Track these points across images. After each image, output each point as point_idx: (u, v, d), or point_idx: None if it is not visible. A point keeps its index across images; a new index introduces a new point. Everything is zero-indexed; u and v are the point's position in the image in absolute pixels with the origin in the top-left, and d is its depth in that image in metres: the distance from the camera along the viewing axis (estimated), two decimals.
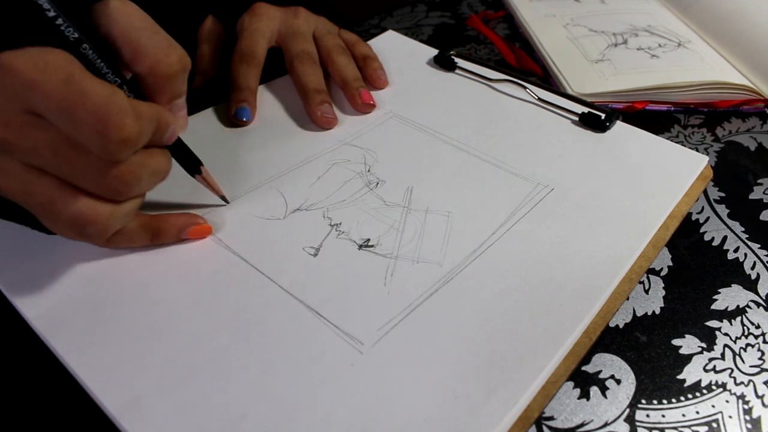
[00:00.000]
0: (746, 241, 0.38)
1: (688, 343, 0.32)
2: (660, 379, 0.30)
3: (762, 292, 0.35)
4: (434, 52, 0.50)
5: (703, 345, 0.32)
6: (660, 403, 0.29)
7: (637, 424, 0.28)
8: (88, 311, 0.30)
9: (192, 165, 0.34)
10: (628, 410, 0.29)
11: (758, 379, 0.30)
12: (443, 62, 0.49)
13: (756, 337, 0.32)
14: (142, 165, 0.27)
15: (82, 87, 0.24)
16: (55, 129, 0.25)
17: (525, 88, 0.46)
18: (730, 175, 0.43)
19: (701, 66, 0.51)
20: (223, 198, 0.36)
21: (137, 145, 0.26)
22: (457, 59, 0.49)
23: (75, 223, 0.27)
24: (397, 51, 0.51)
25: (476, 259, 0.33)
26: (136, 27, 0.28)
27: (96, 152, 0.25)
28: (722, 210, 0.40)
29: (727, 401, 0.29)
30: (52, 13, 0.25)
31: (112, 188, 0.26)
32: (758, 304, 0.34)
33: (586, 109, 0.43)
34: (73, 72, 0.24)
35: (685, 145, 0.42)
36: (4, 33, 0.24)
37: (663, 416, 0.29)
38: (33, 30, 0.25)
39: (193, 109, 0.46)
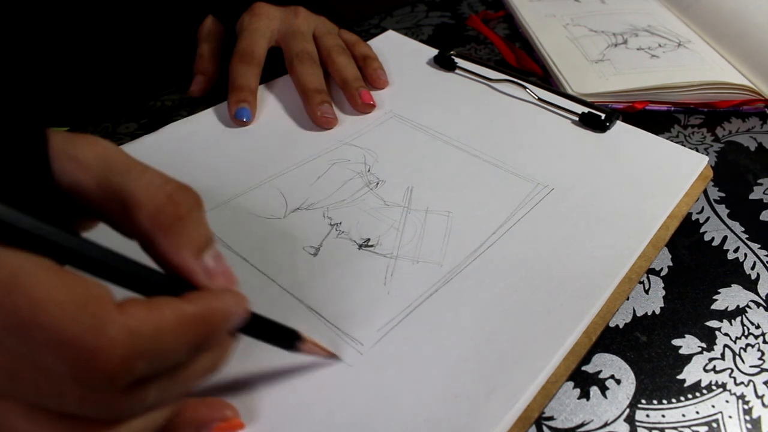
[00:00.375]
0: (746, 241, 0.38)
1: (688, 343, 0.32)
2: (660, 379, 0.30)
3: (762, 292, 0.35)
4: (434, 52, 0.50)
5: (703, 345, 0.32)
6: (660, 403, 0.29)
7: (637, 424, 0.28)
8: None
9: (285, 339, 0.25)
10: (628, 410, 0.29)
11: (758, 379, 0.30)
12: (443, 62, 0.49)
13: (756, 337, 0.32)
14: (158, 385, 0.19)
15: (31, 296, 0.16)
16: (6, 348, 0.17)
17: (525, 88, 0.46)
18: (730, 175, 0.43)
19: (701, 66, 0.51)
20: (333, 356, 0.28)
21: (137, 373, 0.17)
22: (457, 59, 0.49)
23: None
24: (397, 51, 0.51)
25: (476, 259, 0.33)
26: (119, 170, 0.21)
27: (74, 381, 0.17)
28: (722, 210, 0.40)
29: (727, 401, 0.29)
30: None
31: (105, 416, 0.18)
32: (758, 304, 0.34)
33: (586, 109, 0.43)
34: (18, 271, 0.16)
35: (685, 145, 0.42)
36: None
37: (663, 416, 0.29)
38: None
39: (194, 109, 0.46)
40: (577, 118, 0.43)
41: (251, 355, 0.28)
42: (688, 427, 0.28)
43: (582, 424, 0.28)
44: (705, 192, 0.42)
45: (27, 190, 0.18)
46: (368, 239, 0.34)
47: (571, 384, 0.30)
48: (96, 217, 0.21)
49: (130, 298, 0.18)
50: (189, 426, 0.23)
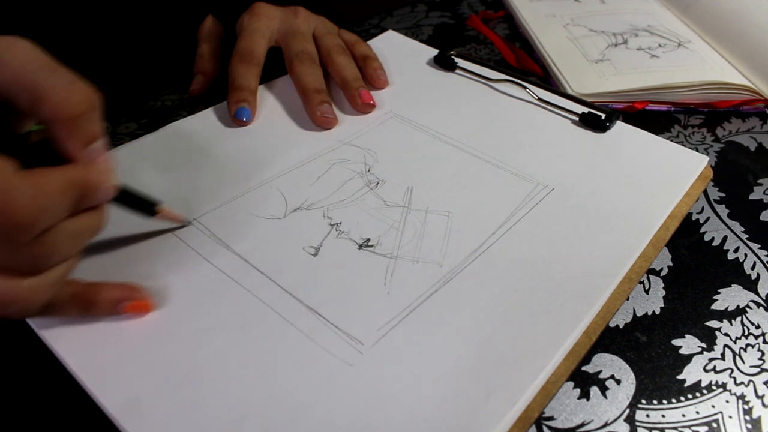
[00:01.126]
0: (746, 241, 0.38)
1: (688, 343, 0.32)
2: (660, 379, 0.30)
3: (762, 292, 0.35)
4: (434, 52, 0.50)
5: (703, 345, 0.32)
6: (660, 403, 0.29)
7: (637, 424, 0.28)
8: None
9: (147, 208, 0.31)
10: (628, 410, 0.29)
11: (758, 380, 0.30)
12: (443, 62, 0.49)
13: (756, 337, 0.32)
14: (61, 231, 0.24)
15: None
16: None
17: (525, 88, 0.46)
18: (730, 175, 0.43)
19: (701, 66, 0.51)
20: (184, 221, 0.34)
21: (41, 224, 0.22)
22: (457, 59, 0.49)
23: None
24: (397, 51, 0.51)
25: (476, 259, 0.33)
26: (30, 68, 0.24)
27: None
28: (722, 210, 0.40)
29: (727, 401, 0.29)
30: None
31: (26, 263, 0.23)
32: (758, 304, 0.34)
33: (586, 109, 0.43)
34: None
35: (685, 145, 0.42)
36: None
37: (663, 416, 0.29)
38: None
39: (194, 109, 0.46)
40: (577, 118, 0.43)
41: (251, 355, 0.28)
42: (688, 427, 0.28)
43: (582, 424, 0.28)
44: (705, 192, 0.42)
45: None
46: (368, 239, 0.34)
47: (571, 384, 0.30)
48: (11, 112, 0.26)
49: (30, 169, 0.22)
50: (106, 302, 0.28)
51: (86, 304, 0.28)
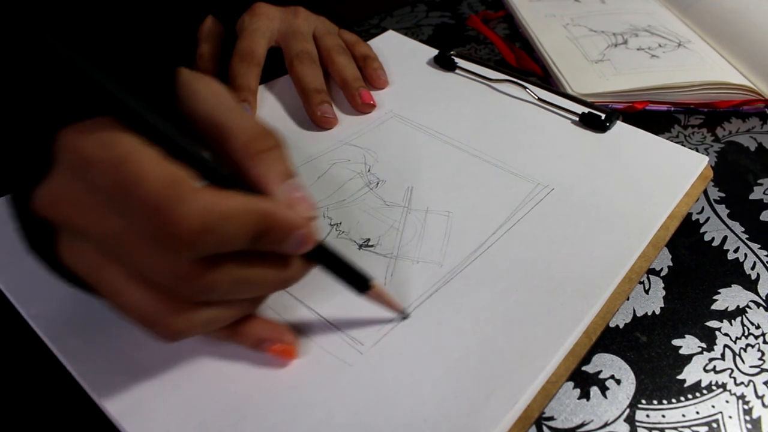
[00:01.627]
0: (746, 241, 0.38)
1: (688, 343, 0.32)
2: (660, 379, 0.30)
3: (762, 292, 0.35)
4: (434, 52, 0.50)
5: (703, 345, 0.32)
6: (660, 403, 0.29)
7: (637, 424, 0.28)
8: (88, 312, 0.30)
9: (356, 281, 0.27)
10: (628, 410, 0.29)
11: (758, 380, 0.30)
12: (443, 62, 0.49)
13: (756, 337, 0.32)
14: (228, 269, 0.22)
15: (136, 169, 0.20)
16: (119, 219, 0.21)
17: (525, 88, 0.46)
18: (730, 176, 0.43)
19: (701, 66, 0.51)
20: (403, 313, 0.29)
21: (203, 245, 0.20)
22: (457, 59, 0.49)
23: (142, 320, 0.23)
24: (397, 51, 0.51)
25: (476, 260, 0.33)
26: (226, 107, 0.25)
27: (160, 244, 0.21)
28: (722, 210, 0.40)
29: (727, 401, 0.29)
30: (110, 85, 0.21)
31: (182, 286, 0.22)
32: (758, 305, 0.34)
33: (586, 109, 0.43)
34: (131, 150, 0.20)
35: (685, 145, 0.42)
36: (66, 105, 0.21)
37: (663, 416, 0.29)
38: (97, 100, 0.21)
39: None
40: (577, 118, 0.43)
41: (251, 354, 0.28)
42: (688, 427, 0.28)
43: (582, 424, 0.28)
44: (705, 192, 0.42)
45: (158, 108, 0.22)
46: (368, 239, 0.34)
47: (571, 384, 0.30)
48: (204, 143, 0.25)
49: (209, 187, 0.21)
50: (250, 337, 0.27)
51: (231, 332, 0.26)
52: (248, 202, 0.21)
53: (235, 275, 0.22)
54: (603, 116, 0.42)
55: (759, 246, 0.38)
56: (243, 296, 0.24)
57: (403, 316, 0.29)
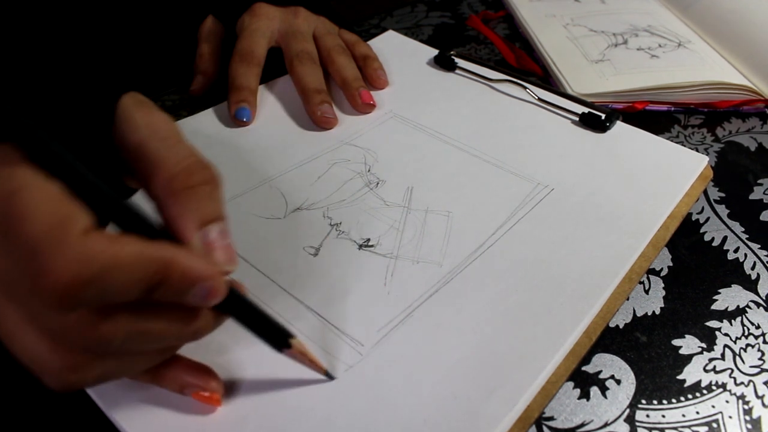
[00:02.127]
0: (746, 241, 0.38)
1: (688, 344, 0.32)
2: (660, 379, 0.30)
3: (762, 292, 0.35)
4: (434, 52, 0.50)
5: (703, 345, 0.32)
6: (660, 403, 0.29)
7: (637, 424, 0.28)
8: None
9: (275, 337, 0.24)
10: (628, 410, 0.29)
11: (758, 380, 0.30)
12: (443, 62, 0.49)
13: (756, 337, 0.32)
14: (124, 325, 0.20)
15: (24, 205, 0.18)
16: (5, 258, 0.19)
17: (525, 88, 0.46)
18: (730, 176, 0.43)
19: (701, 66, 0.51)
20: (327, 374, 0.27)
21: (83, 296, 0.18)
22: (457, 59, 0.49)
23: (33, 365, 0.21)
24: (397, 51, 0.51)
25: (476, 260, 0.33)
26: (159, 137, 0.23)
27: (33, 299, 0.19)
28: (722, 210, 0.40)
29: (727, 401, 0.29)
30: (10, 111, 0.19)
31: (75, 340, 0.20)
32: (758, 305, 0.34)
33: (586, 109, 0.43)
34: (24, 184, 0.18)
35: (685, 145, 0.42)
36: None
37: (663, 416, 0.29)
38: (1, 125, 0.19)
39: (194, 109, 0.46)
40: (577, 118, 0.43)
41: (251, 354, 0.28)
42: (688, 427, 0.28)
43: (582, 425, 0.28)
44: (705, 192, 0.42)
45: (90, 138, 0.21)
46: (368, 239, 0.34)
47: (571, 384, 0.30)
48: (134, 176, 0.23)
49: (102, 231, 0.19)
50: (173, 382, 0.25)
51: (152, 376, 0.25)
52: (144, 249, 0.19)
53: (132, 328, 0.20)
54: (603, 116, 0.42)
55: (759, 246, 0.38)
56: (145, 348, 0.22)
57: (329, 377, 0.27)
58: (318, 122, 0.43)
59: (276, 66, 0.47)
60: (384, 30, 0.55)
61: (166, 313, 0.21)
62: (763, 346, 0.32)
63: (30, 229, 0.18)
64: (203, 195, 0.22)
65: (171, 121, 0.24)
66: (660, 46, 0.54)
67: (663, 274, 0.36)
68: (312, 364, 0.26)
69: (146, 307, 0.20)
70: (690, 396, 0.30)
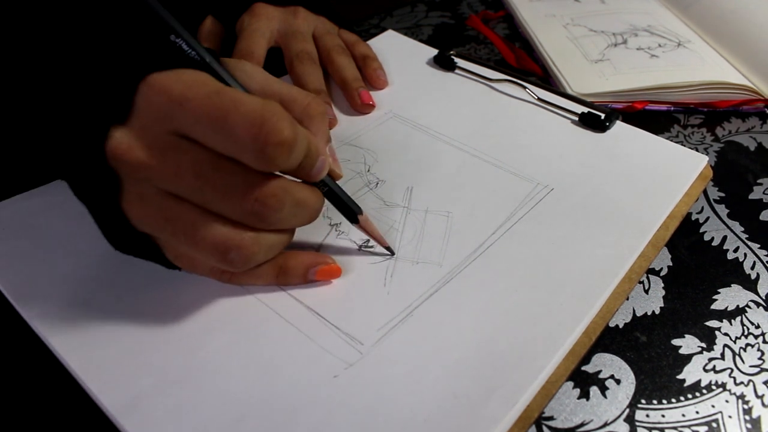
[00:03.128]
0: (746, 241, 0.38)
1: (687, 343, 0.32)
2: (660, 379, 0.30)
3: (762, 292, 0.35)
4: (434, 52, 0.50)
5: (703, 345, 0.32)
6: (660, 403, 0.29)
7: (637, 424, 0.28)
8: (87, 310, 0.30)
9: (347, 210, 0.31)
10: (627, 410, 0.29)
11: (758, 379, 0.30)
12: (443, 62, 0.49)
13: (756, 337, 0.32)
14: (286, 190, 0.26)
15: (234, 96, 0.23)
16: (197, 151, 0.24)
17: (525, 88, 0.46)
18: (730, 175, 0.43)
19: (701, 66, 0.51)
20: (388, 249, 0.33)
21: (293, 154, 0.24)
22: (457, 59, 0.49)
23: (218, 248, 0.26)
24: (397, 51, 0.51)
25: (476, 260, 0.33)
26: (274, 80, 0.30)
27: (250, 161, 0.24)
28: (722, 210, 0.40)
29: (726, 401, 0.29)
30: (187, 47, 0.26)
31: (252, 211, 0.25)
32: (758, 304, 0.34)
33: (585, 109, 0.43)
34: (220, 86, 0.24)
35: (685, 145, 0.42)
36: (149, 59, 0.25)
37: (663, 416, 0.29)
38: (173, 57, 0.26)
39: None
40: (576, 118, 0.43)
41: (251, 354, 0.28)
42: (688, 427, 0.28)
43: (582, 424, 0.28)
44: (705, 192, 0.42)
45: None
46: (368, 239, 0.34)
47: (571, 384, 0.30)
48: None
49: None
50: (298, 270, 0.30)
51: (281, 269, 0.30)
52: (307, 131, 0.26)
53: (292, 197, 0.26)
54: (603, 116, 0.42)
55: (759, 246, 0.38)
56: (293, 222, 0.28)
57: (390, 252, 0.33)
58: None
59: (276, 66, 0.47)
60: (384, 30, 0.55)
61: (305, 188, 0.27)
62: (762, 346, 0.32)
63: (250, 108, 0.23)
64: (324, 120, 0.30)
65: (264, 70, 0.30)
66: (660, 45, 0.54)
67: (663, 273, 0.36)
68: (374, 238, 0.33)
69: (295, 181, 0.27)
70: (690, 396, 0.30)
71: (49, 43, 0.27)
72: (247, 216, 0.25)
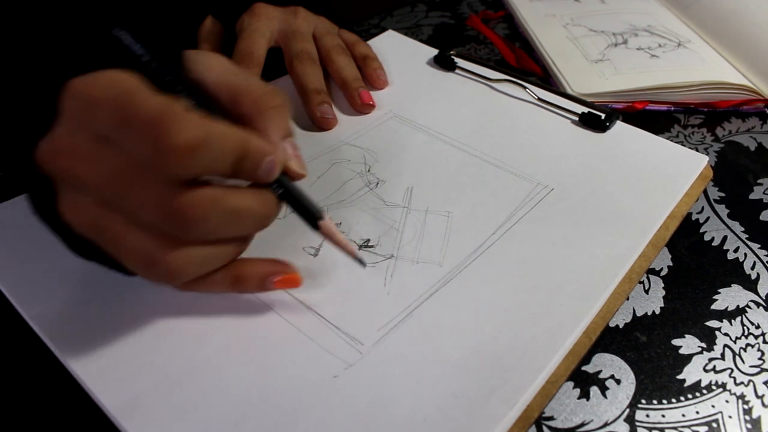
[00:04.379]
0: (746, 241, 0.38)
1: (688, 343, 0.32)
2: (660, 379, 0.30)
3: (762, 292, 0.35)
4: (434, 52, 0.50)
5: (703, 345, 0.32)
6: (660, 403, 0.29)
7: (637, 424, 0.28)
8: (87, 310, 0.30)
9: (308, 215, 0.28)
10: (628, 410, 0.29)
11: (758, 379, 0.30)
12: (443, 62, 0.49)
13: (756, 337, 0.32)
14: (214, 199, 0.24)
15: (136, 98, 0.22)
16: (117, 158, 0.23)
17: (525, 88, 0.46)
18: (730, 175, 0.43)
19: (701, 66, 0.51)
20: (359, 260, 0.29)
21: (199, 158, 0.22)
22: (457, 59, 0.49)
23: (142, 261, 0.24)
24: (397, 51, 0.51)
25: (476, 260, 0.33)
26: (232, 72, 0.28)
27: (155, 166, 0.22)
28: (722, 210, 0.40)
29: (727, 401, 0.29)
30: (125, 39, 0.24)
31: (174, 223, 0.23)
32: (758, 304, 0.34)
33: (586, 109, 0.43)
34: (132, 87, 0.22)
35: (685, 145, 0.42)
36: (79, 61, 0.24)
37: (663, 416, 0.29)
38: (107, 55, 0.24)
39: None
40: (577, 118, 0.43)
41: (251, 354, 0.28)
42: (688, 427, 0.28)
43: (582, 424, 0.28)
44: (705, 192, 0.42)
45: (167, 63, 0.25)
46: (368, 239, 0.34)
47: (571, 384, 0.30)
48: (210, 107, 0.26)
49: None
50: (252, 278, 0.28)
51: (234, 279, 0.28)
52: (232, 127, 0.24)
53: (222, 206, 0.24)
54: (603, 116, 0.42)
55: (759, 246, 0.38)
56: (230, 232, 0.26)
57: (360, 263, 0.29)
58: (318, 122, 0.43)
59: (276, 66, 0.47)
60: (384, 30, 0.55)
61: (245, 194, 0.25)
62: (762, 346, 0.32)
63: (147, 110, 0.21)
64: (283, 114, 0.27)
65: (228, 61, 0.29)
66: (660, 45, 0.54)
67: (663, 273, 0.36)
68: (341, 245, 0.29)
69: (231, 188, 0.24)
70: (690, 396, 0.30)
71: None
72: (170, 228, 0.23)
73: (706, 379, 0.30)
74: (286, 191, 0.27)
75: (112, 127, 0.22)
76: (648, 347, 0.32)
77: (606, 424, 0.28)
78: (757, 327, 0.33)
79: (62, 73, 0.23)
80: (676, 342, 0.32)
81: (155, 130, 0.21)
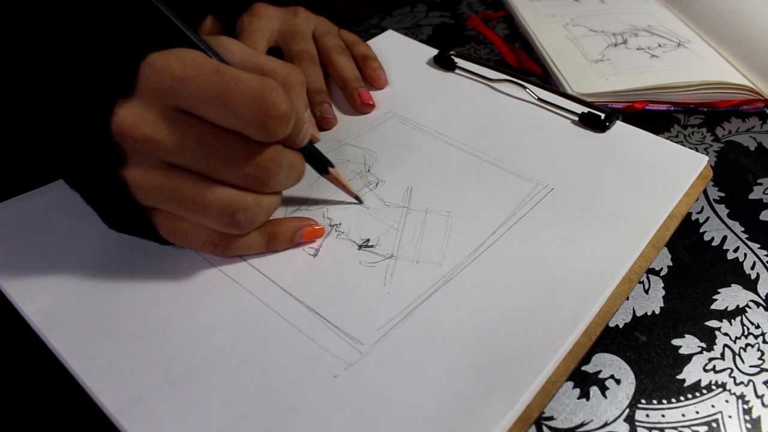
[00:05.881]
0: (746, 241, 0.38)
1: (687, 343, 0.32)
2: (660, 379, 0.30)
3: (762, 292, 0.35)
4: (434, 52, 0.50)
5: (703, 345, 0.32)
6: (660, 403, 0.29)
7: (637, 424, 0.28)
8: (87, 309, 0.30)
9: (321, 165, 0.34)
10: (627, 410, 0.29)
11: (758, 379, 0.30)
12: (443, 62, 0.49)
13: (756, 337, 0.32)
14: (282, 155, 0.28)
15: (234, 74, 0.25)
16: (200, 124, 0.26)
17: (525, 88, 0.46)
18: (730, 175, 0.43)
19: (701, 66, 0.51)
20: (356, 198, 0.36)
21: (289, 126, 0.27)
22: (456, 59, 0.49)
23: (226, 210, 0.28)
24: (397, 51, 0.51)
25: (476, 259, 0.33)
26: (253, 54, 0.31)
27: (252, 133, 0.26)
28: (722, 210, 0.40)
29: (726, 401, 0.29)
30: (182, 27, 0.29)
31: (255, 176, 0.28)
32: (758, 304, 0.34)
33: (585, 109, 0.43)
34: (220, 64, 0.26)
35: (685, 145, 0.42)
36: (147, 39, 0.26)
37: (663, 416, 0.29)
38: (167, 38, 0.27)
39: None
40: (576, 118, 0.43)
41: (251, 354, 0.28)
42: (688, 427, 0.28)
43: (582, 424, 0.28)
44: (705, 192, 0.42)
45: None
46: (368, 239, 0.34)
47: (571, 384, 0.30)
48: None
49: None
50: (287, 232, 0.33)
51: (270, 237, 0.32)
52: (294, 103, 0.28)
53: (286, 160, 0.29)
54: (603, 116, 0.42)
55: (759, 246, 0.38)
56: (287, 184, 0.30)
57: (358, 201, 0.36)
58: (318, 122, 0.43)
59: None
60: (384, 30, 0.55)
61: (291, 152, 0.30)
62: (762, 346, 0.32)
63: (250, 86, 0.25)
64: (304, 89, 0.32)
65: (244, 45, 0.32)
66: (660, 45, 0.54)
67: (663, 273, 0.36)
68: (344, 188, 0.35)
69: (285, 147, 0.29)
70: (690, 396, 0.30)
71: (49, 28, 0.28)
72: (250, 181, 0.28)
73: (705, 379, 0.30)
74: (305, 148, 0.32)
75: (208, 99, 0.25)
76: (648, 347, 0.32)
77: (606, 424, 0.28)
78: (757, 327, 0.33)
79: (136, 48, 0.26)
80: (675, 342, 0.32)
81: (264, 102, 0.25)
